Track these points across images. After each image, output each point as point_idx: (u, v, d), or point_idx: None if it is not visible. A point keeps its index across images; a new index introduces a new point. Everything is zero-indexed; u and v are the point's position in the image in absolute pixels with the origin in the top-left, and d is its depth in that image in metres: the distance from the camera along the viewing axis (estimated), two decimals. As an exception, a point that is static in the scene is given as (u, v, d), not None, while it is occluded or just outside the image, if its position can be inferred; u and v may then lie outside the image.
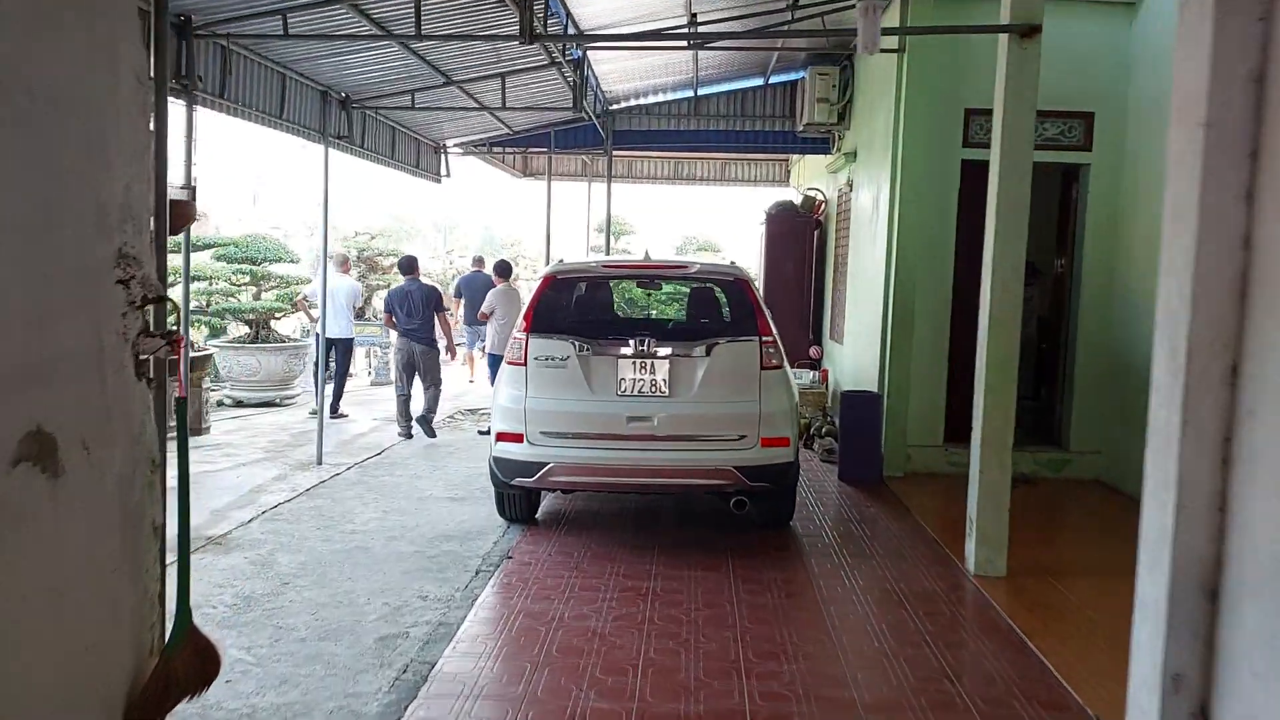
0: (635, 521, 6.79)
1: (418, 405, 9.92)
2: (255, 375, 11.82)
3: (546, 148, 12.26)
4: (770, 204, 12.31)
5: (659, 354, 5.98)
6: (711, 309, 6.96)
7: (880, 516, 7.11)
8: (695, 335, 6.19)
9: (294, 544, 6.15)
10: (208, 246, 10.91)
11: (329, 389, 11.12)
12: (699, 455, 5.93)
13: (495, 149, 12.85)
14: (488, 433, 10.24)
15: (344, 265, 11.84)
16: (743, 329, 6.13)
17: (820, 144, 11.77)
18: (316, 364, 10.92)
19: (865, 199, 9.54)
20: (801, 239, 11.81)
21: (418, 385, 9.97)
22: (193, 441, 9.39)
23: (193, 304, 13.72)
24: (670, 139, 11.95)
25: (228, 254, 12.08)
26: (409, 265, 10.25)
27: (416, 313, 9.75)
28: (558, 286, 6.49)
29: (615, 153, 12.12)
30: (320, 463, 8.46)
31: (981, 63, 8.38)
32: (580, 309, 7.06)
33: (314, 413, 10.49)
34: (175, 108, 5.72)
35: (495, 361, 10.32)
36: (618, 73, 10.11)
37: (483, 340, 11.86)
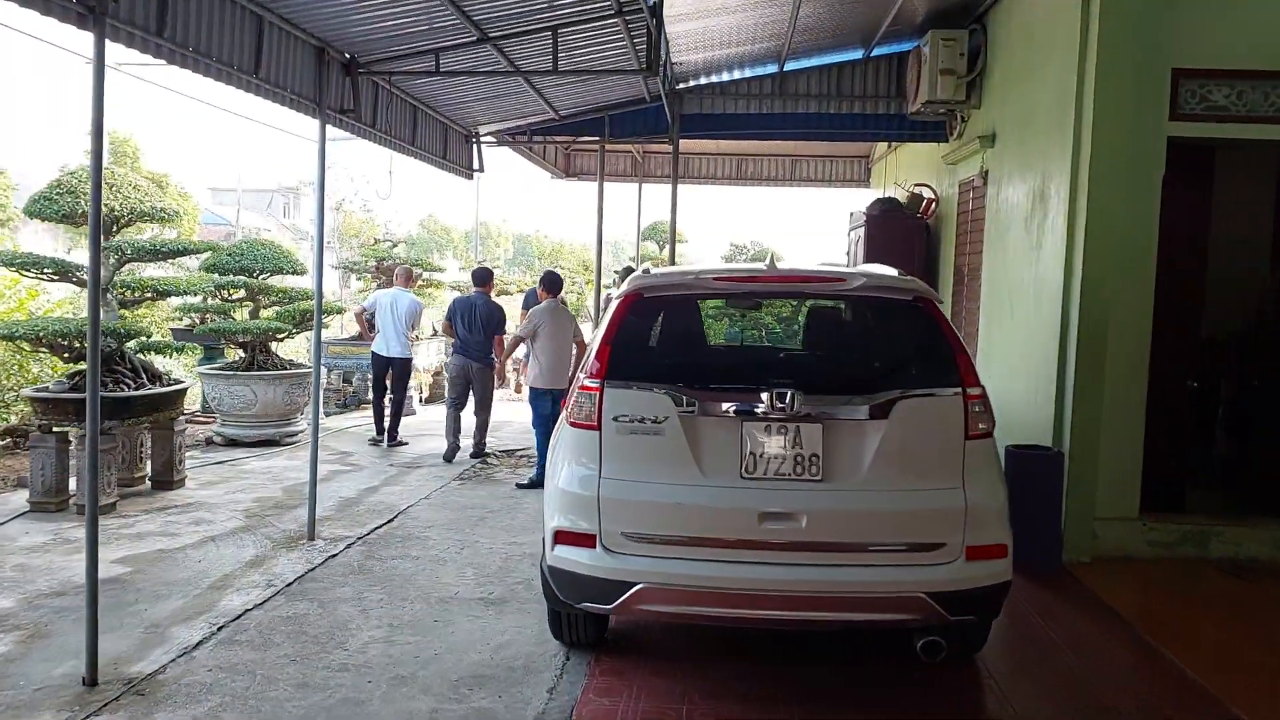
0: (752, 645, 4.67)
1: (468, 422, 9.53)
2: (250, 409, 9.82)
3: (599, 135, 10.21)
4: (869, 203, 10.18)
5: (808, 414, 3.88)
6: (878, 343, 4.65)
7: (1097, 637, 4.96)
8: (859, 385, 4.07)
9: (252, 693, 4.11)
10: (180, 253, 8.92)
11: (326, 416, 10.11)
12: (872, 575, 3.82)
13: (537, 138, 10.81)
14: (529, 485, 8.28)
15: (407, 279, 10.49)
16: (934, 376, 3.98)
17: (932, 130, 9.64)
18: (371, 388, 10.55)
19: (1017, 194, 7.40)
20: (910, 246, 9.66)
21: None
22: (159, 501, 7.41)
23: (184, 322, 11.88)
24: (750, 124, 9.83)
25: (219, 264, 10.06)
26: (483, 277, 9.64)
27: (476, 329, 9.21)
28: (644, 310, 4.36)
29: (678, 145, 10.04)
30: (312, 537, 6.42)
31: (1193, 3, 6.31)
32: (677, 343, 4.78)
33: (374, 441, 10.15)
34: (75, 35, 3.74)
35: (537, 398, 8.28)
36: (694, 34, 8.05)
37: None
